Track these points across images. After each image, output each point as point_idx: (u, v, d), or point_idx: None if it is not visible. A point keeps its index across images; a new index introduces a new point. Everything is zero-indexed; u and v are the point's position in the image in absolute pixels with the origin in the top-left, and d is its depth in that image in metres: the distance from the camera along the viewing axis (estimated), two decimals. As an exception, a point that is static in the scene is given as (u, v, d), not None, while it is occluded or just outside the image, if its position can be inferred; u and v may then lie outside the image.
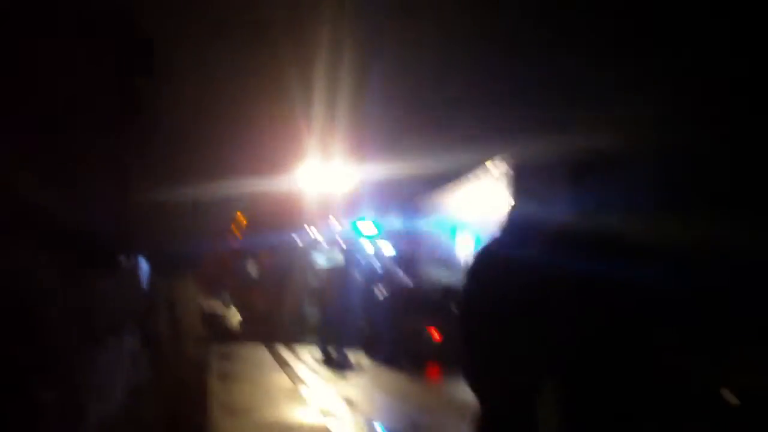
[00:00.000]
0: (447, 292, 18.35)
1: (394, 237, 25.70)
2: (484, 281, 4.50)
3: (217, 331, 19.96)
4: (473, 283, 4.52)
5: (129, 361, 7.35)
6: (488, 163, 18.91)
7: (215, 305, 24.79)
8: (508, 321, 4.08)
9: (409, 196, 25.78)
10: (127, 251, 8.40)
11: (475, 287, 4.53)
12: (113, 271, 7.58)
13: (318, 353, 16.86)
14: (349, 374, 14.94)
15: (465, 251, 20.94)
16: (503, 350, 4.04)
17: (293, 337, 19.17)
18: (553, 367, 4.00)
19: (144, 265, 9.20)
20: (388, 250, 24.76)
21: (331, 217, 26.48)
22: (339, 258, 22.12)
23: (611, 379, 3.99)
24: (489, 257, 4.69)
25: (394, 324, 17.37)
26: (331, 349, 16.56)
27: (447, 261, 22.00)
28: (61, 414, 3.48)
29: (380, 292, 19.15)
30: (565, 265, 3.90)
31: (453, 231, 22.01)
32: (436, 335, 16.48)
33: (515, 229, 4.74)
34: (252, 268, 25.31)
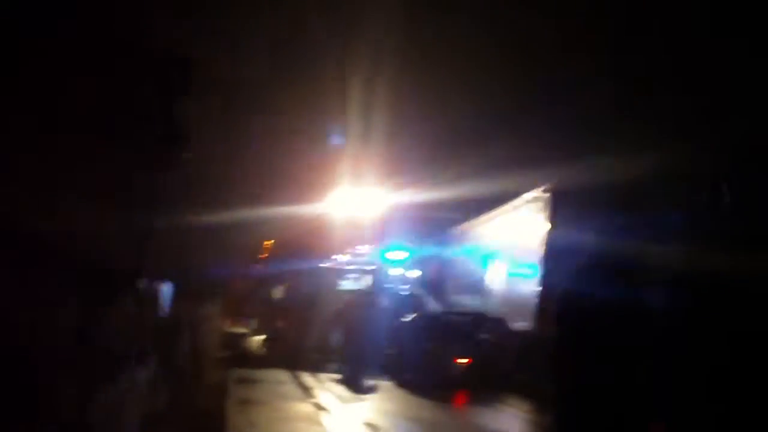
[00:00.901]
0: (476, 318, 18.13)
1: (423, 263, 25.58)
2: (574, 326, 4.20)
3: (240, 356, 19.83)
4: (563, 329, 4.23)
5: (146, 389, 7.26)
6: (526, 192, 18.79)
7: (239, 329, 24.71)
8: (605, 370, 3.78)
9: (441, 222, 25.72)
10: (149, 276, 8.34)
11: (566, 333, 4.23)
12: (132, 296, 7.51)
13: (342, 378, 16.67)
14: (374, 400, 14.73)
15: (496, 278, 20.69)
16: (604, 399, 3.76)
17: (317, 361, 18.98)
18: (658, 412, 3.69)
19: (167, 290, 9.15)
20: (417, 276, 24.62)
21: (359, 242, 26.42)
22: (366, 282, 21.96)
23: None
24: (576, 299, 4.37)
25: (420, 349, 17.15)
26: (355, 374, 16.38)
27: (477, 288, 21.76)
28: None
29: (407, 317, 18.95)
30: (654, 302, 3.61)
31: (485, 258, 21.76)
32: (463, 361, 16.26)
33: (596, 266, 4.45)
34: (277, 293, 25.23)
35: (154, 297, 8.53)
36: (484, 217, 22.54)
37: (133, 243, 8.61)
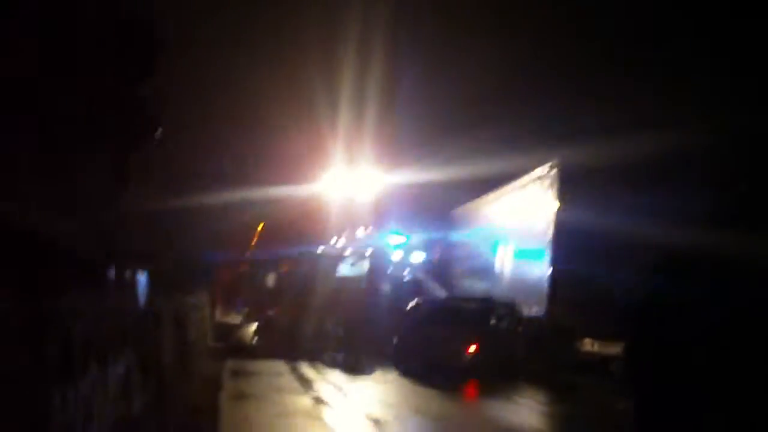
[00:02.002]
0: (485, 304, 17.38)
1: (426, 246, 24.81)
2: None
3: (233, 347, 19.22)
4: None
5: (118, 390, 6.45)
6: (534, 170, 18.02)
7: (231, 319, 24.07)
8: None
9: (445, 203, 24.97)
10: (120, 265, 7.53)
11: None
12: (100, 287, 6.74)
13: (342, 369, 15.97)
14: (377, 391, 14.00)
15: (504, 261, 19.90)
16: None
17: (314, 351, 18.29)
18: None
19: (142, 280, 8.34)
20: (420, 260, 23.88)
21: (357, 225, 25.71)
22: (365, 268, 21.19)
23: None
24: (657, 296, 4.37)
25: (426, 337, 16.42)
26: (356, 365, 15.70)
27: (484, 272, 20.99)
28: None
29: (410, 303, 18.23)
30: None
31: (491, 240, 20.96)
32: (472, 349, 15.50)
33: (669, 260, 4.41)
34: (271, 280, 24.67)
35: (126, 287, 7.67)
36: (488, 197, 21.76)
37: (101, 229, 7.87)
